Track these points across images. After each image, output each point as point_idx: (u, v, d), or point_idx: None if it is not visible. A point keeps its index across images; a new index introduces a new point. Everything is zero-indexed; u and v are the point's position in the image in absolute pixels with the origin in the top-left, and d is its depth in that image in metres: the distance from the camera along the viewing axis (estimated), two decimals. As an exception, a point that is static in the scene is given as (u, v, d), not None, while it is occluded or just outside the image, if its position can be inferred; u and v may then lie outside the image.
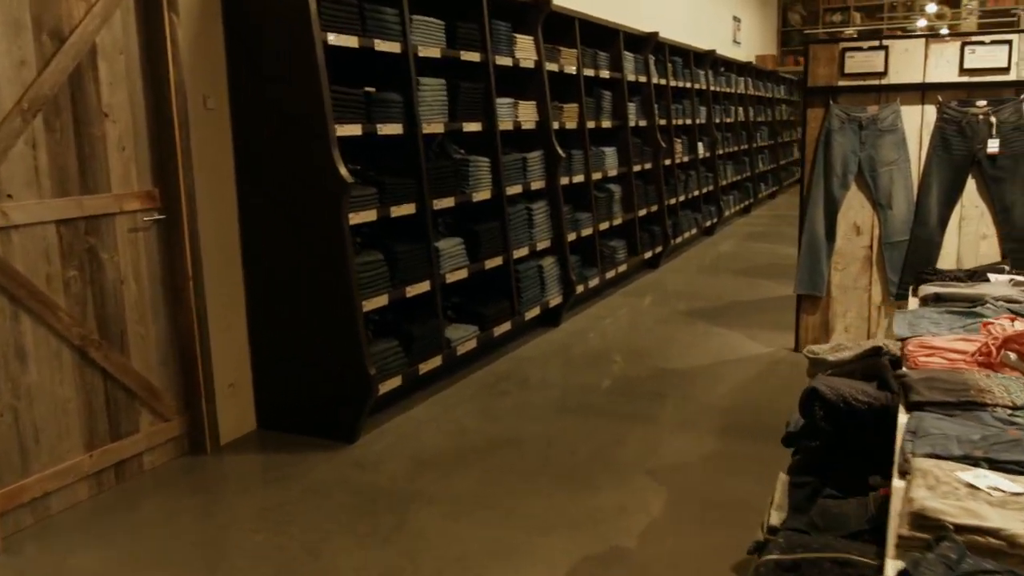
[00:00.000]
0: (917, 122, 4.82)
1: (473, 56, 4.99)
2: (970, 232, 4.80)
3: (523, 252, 5.52)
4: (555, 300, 5.91)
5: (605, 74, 7.07)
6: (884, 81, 4.84)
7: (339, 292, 3.85)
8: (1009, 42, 4.57)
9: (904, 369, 2.10)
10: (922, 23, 15.63)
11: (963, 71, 4.68)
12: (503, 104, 5.36)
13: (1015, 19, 15.33)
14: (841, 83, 4.92)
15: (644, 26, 8.17)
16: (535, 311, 5.63)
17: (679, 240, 8.88)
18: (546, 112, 5.82)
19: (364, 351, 3.87)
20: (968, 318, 2.48)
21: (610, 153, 7.10)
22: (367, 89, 4.18)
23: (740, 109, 12.22)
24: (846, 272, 5.08)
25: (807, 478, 2.15)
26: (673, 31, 9.50)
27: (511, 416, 4.27)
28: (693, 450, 3.80)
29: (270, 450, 3.92)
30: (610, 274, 7.02)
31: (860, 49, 4.86)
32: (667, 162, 8.58)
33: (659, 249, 8.22)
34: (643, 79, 7.98)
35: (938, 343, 2.19)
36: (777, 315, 6.26)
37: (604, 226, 6.92)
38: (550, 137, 5.85)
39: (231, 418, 4.00)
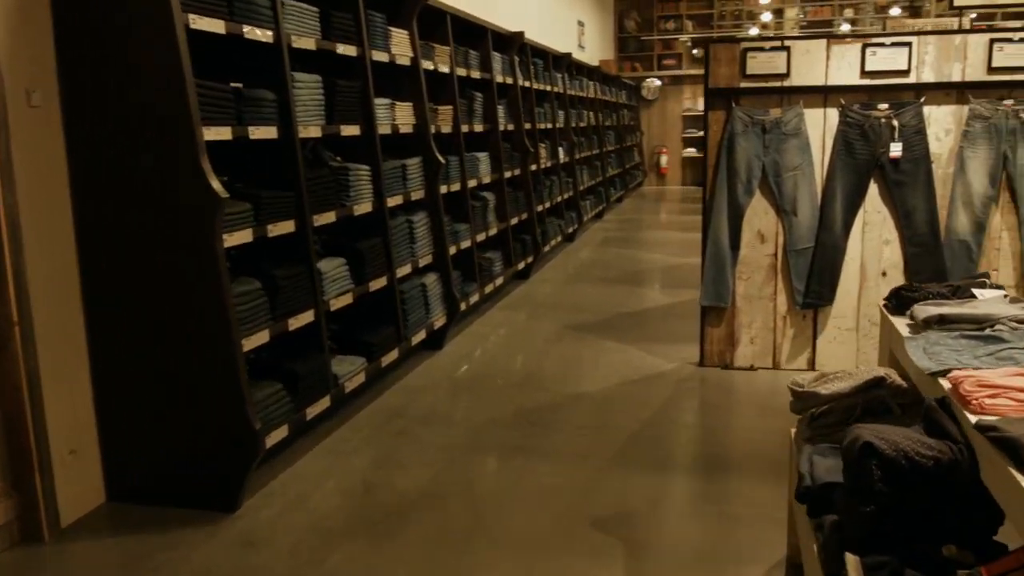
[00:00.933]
0: (820, 126, 4.67)
1: (349, 50, 4.38)
2: (873, 237, 4.70)
3: (406, 270, 4.96)
4: (440, 321, 5.37)
5: (476, 74, 6.60)
6: (786, 83, 4.65)
7: (213, 331, 3.15)
8: (909, 44, 4.49)
9: (982, 418, 1.75)
10: (754, 31, 16.24)
11: (864, 73, 4.57)
12: (381, 105, 4.77)
13: (833, 30, 16.23)
14: (743, 84, 4.69)
15: (504, 25, 7.78)
16: (421, 335, 5.07)
17: (547, 249, 8.56)
18: (424, 114, 5.28)
19: (247, 400, 3.19)
20: (992, 344, 2.19)
21: (483, 159, 6.64)
22: (235, 85, 3.50)
23: (591, 114, 12.12)
24: (751, 281, 4.86)
25: (882, 557, 1.76)
26: (531, 32, 9.17)
27: (419, 462, 3.70)
28: (638, 492, 3.39)
29: (127, 530, 3.15)
30: (488, 288, 6.56)
31: (762, 49, 4.66)
32: (533, 167, 8.23)
33: (530, 259, 7.84)
34: (510, 80, 7.58)
35: (998, 380, 1.87)
36: (668, 326, 6.02)
37: (481, 237, 6.45)
38: (429, 142, 5.31)
39: (73, 493, 3.20)
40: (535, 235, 7.93)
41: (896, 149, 4.54)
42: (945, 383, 2.02)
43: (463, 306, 5.72)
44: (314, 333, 3.88)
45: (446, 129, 5.84)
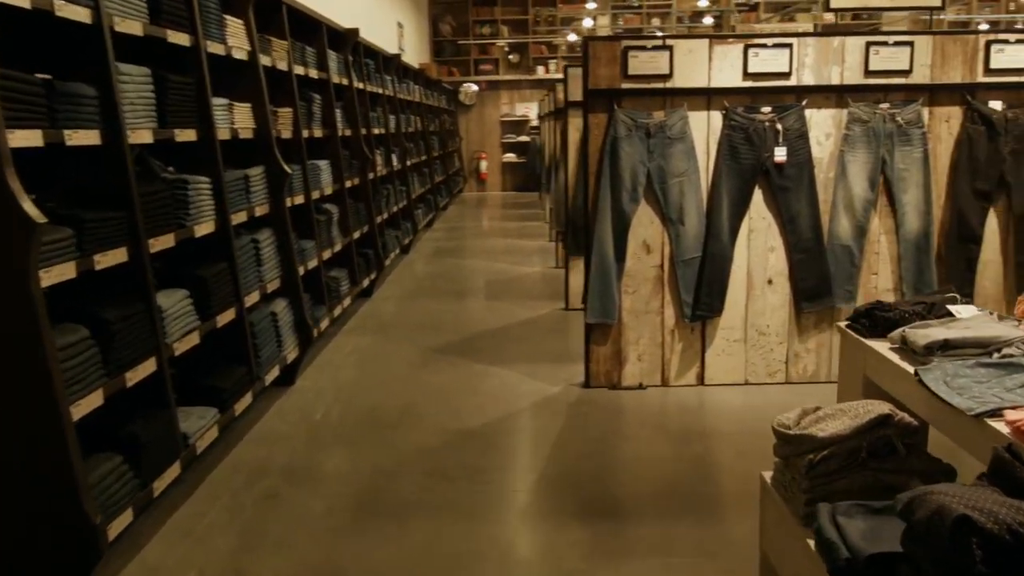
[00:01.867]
0: (704, 129, 4.44)
1: (181, 38, 3.64)
2: (759, 244, 4.54)
3: (254, 298, 4.25)
4: (292, 354, 4.69)
5: (314, 73, 5.93)
6: (670, 84, 4.39)
7: (33, 399, 2.39)
8: (790, 46, 4.35)
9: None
10: (573, 37, 16.34)
11: (747, 75, 4.38)
12: (219, 106, 4.05)
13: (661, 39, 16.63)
14: (625, 85, 4.38)
15: (336, 20, 7.12)
16: (274, 371, 4.38)
17: (387, 262, 7.97)
18: (265, 117, 4.58)
19: (81, 486, 2.45)
20: (1017, 372, 1.93)
21: (325, 168, 5.98)
22: (43, 77, 2.72)
23: (416, 118, 11.61)
24: (637, 295, 4.56)
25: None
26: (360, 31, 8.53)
27: (300, 538, 3.06)
28: (573, 549, 2.94)
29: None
30: (337, 311, 5.91)
31: (643, 48, 4.36)
32: (370, 176, 7.61)
33: (374, 275, 7.23)
34: (345, 81, 6.94)
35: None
36: (539, 343, 5.64)
37: (327, 255, 5.78)
38: (273, 149, 4.61)
39: None
40: (377, 249, 7.33)
41: (781, 154, 4.39)
42: (998, 425, 1.72)
43: (315, 333, 5.06)
44: (157, 385, 3.14)
45: (286, 134, 5.14)
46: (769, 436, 2.23)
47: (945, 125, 4.47)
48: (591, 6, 14.21)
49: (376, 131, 8.20)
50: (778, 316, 4.59)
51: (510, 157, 17.90)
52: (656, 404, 4.42)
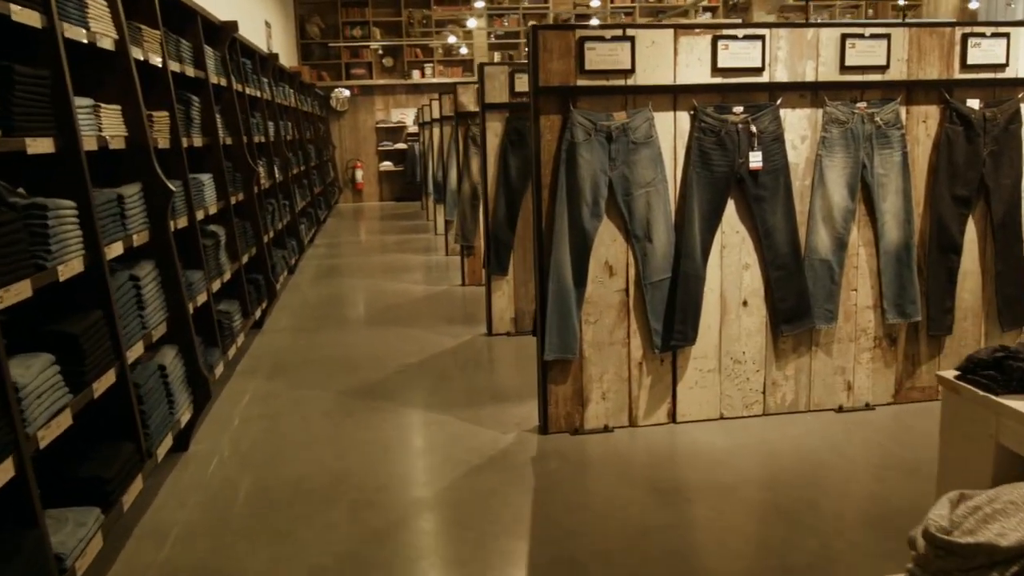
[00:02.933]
0: (671, 132, 3.88)
1: (31, 18, 2.74)
2: (733, 262, 4.02)
3: (138, 351, 3.37)
4: (187, 414, 3.81)
5: (190, 71, 5.00)
6: (631, 81, 3.80)
7: None
8: (762, 38, 3.85)
9: None
10: (452, 39, 15.67)
11: (716, 71, 3.85)
12: (83, 108, 3.15)
13: (517, 48, 16.19)
14: (581, 82, 3.76)
15: (200, 6, 6.18)
16: (167, 442, 3.50)
17: (278, 286, 7.05)
18: (140, 122, 3.68)
19: None
20: None
21: (208, 183, 5.07)
22: None
23: (292, 125, 10.64)
24: (599, 325, 3.95)
25: None
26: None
27: None
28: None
29: None
30: (232, 351, 5.01)
31: (602, 39, 3.75)
32: (255, 190, 6.69)
33: (265, 304, 6.33)
34: (224, 82, 6.01)
35: None
36: (473, 379, 4.95)
37: (216, 285, 4.87)
38: (151, 162, 3.72)
39: None
40: (267, 273, 6.42)
41: (756, 159, 3.89)
42: None
43: (211, 383, 4.17)
44: (17, 495, 2.26)
45: (163, 143, 4.24)
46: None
47: (923, 126, 4.09)
48: (479, 4, 13.56)
49: (257, 139, 7.27)
50: (754, 341, 4.09)
51: (387, 165, 17.05)
52: (629, 451, 3.82)
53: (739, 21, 11.51)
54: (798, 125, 3.98)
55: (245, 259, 5.84)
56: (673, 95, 3.85)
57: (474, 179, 7.60)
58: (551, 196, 3.80)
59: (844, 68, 3.96)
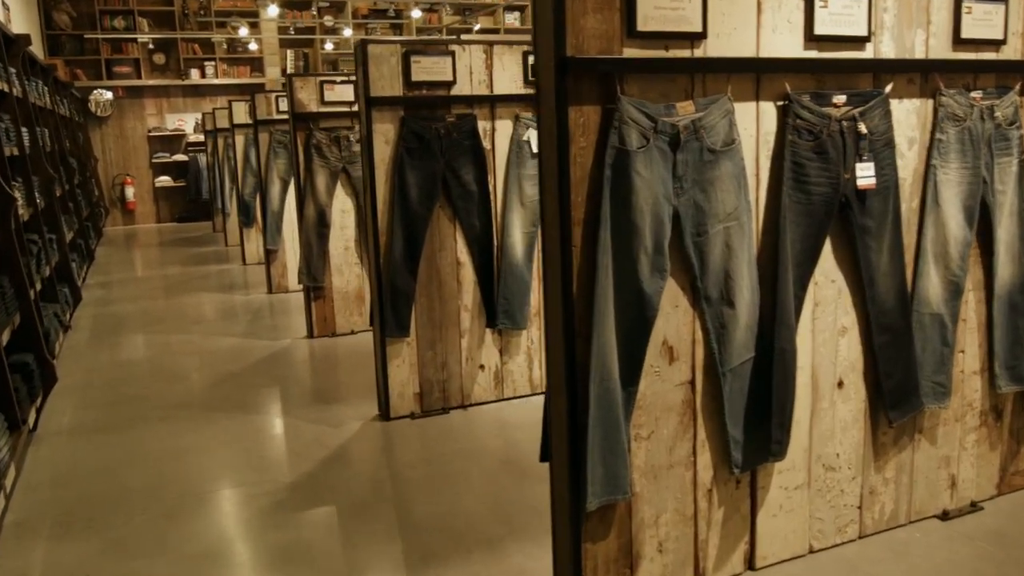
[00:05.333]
0: (752, 134, 2.51)
1: None
2: (826, 325, 2.72)
3: None
4: None
5: None
6: (700, 51, 2.39)
7: None
8: (873, -10, 2.58)
9: None
10: (243, 31, 13.44)
11: (811, 40, 2.53)
12: None
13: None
14: (630, 52, 2.29)
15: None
16: None
17: (55, 359, 4.94)
18: None
19: None
20: None
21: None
22: None
23: (49, 132, 8.23)
24: (656, 440, 2.50)
25: None
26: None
27: None
28: None
29: None
30: (-4, 504, 3.04)
31: (660, -18, 2.30)
32: (13, 225, 4.59)
33: (39, 399, 4.28)
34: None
35: None
36: (427, 505, 3.30)
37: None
38: None
39: None
40: (40, 350, 4.37)
41: (867, 173, 2.61)
42: None
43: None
44: None
45: None
46: None
47: (1038, 123, 3.01)
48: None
49: (9, 151, 5.11)
50: (850, 437, 2.82)
51: (165, 180, 14.52)
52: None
53: None
54: (905, 123, 2.75)
55: (6, 337, 3.80)
56: (755, 75, 2.48)
57: (320, 200, 5.89)
58: (586, 241, 2.29)
59: (958, 42, 2.78)
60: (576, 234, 2.27)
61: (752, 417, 2.57)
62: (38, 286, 5.08)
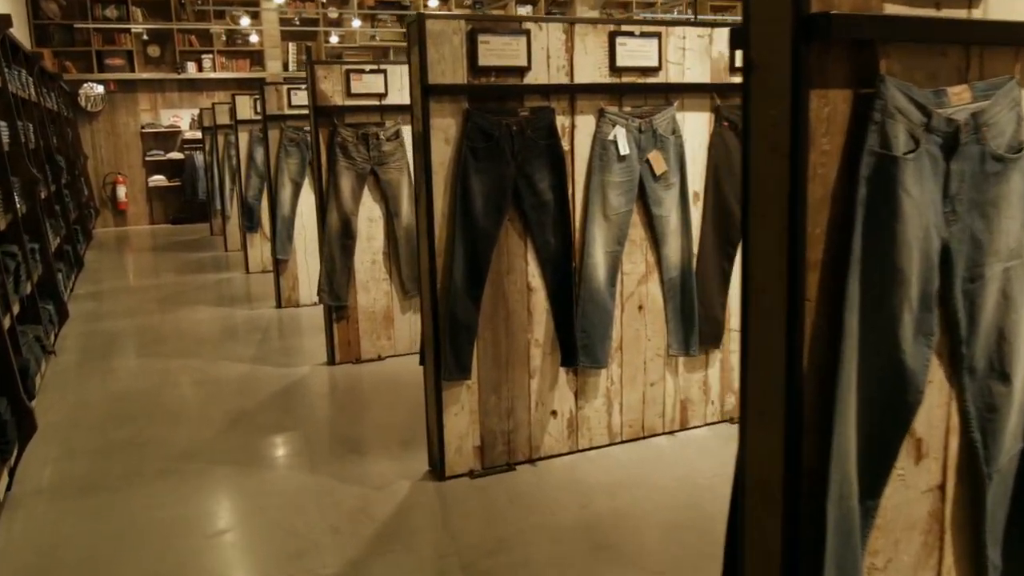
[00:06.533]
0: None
1: None
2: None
3: None
4: None
5: None
6: (978, 12, 1.63)
7: None
8: None
9: None
10: (245, 21, 12.65)
11: (1116, -2, 1.77)
12: None
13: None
14: (891, 9, 1.53)
15: None
16: None
17: (32, 403, 4.15)
18: None
19: None
20: None
21: None
22: None
23: (34, 127, 7.41)
24: (893, 571, 1.74)
25: None
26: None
27: None
28: None
29: None
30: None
31: (943, -97, 1.54)
32: (-15, 239, 3.81)
33: (14, 456, 3.50)
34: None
35: None
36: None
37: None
38: None
39: None
40: (16, 390, 3.58)
41: None
42: None
43: None
44: None
45: None
46: None
47: None
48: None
49: (-17, 149, 4.32)
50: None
51: (159, 180, 13.71)
52: None
53: None
54: None
55: (-28, 381, 3.02)
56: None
57: (346, 207, 5.13)
58: (823, 291, 1.52)
59: None
60: (811, 283, 1.51)
61: (1016, 532, 1.82)
62: (16, 309, 4.29)
